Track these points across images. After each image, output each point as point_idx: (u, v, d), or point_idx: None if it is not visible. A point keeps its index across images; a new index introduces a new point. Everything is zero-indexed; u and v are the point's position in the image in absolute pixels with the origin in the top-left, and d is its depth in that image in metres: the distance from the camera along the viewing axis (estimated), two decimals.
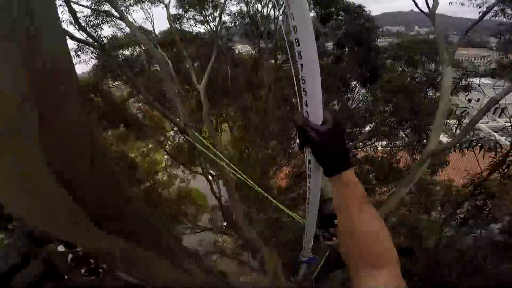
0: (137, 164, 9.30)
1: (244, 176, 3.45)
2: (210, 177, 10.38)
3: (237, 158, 6.75)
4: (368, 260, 0.64)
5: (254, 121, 7.61)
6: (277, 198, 8.49)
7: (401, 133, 8.22)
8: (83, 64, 8.46)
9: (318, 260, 2.55)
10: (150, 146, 14.16)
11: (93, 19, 7.82)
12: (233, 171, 3.73)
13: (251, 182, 3.34)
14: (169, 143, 11.78)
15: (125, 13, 7.25)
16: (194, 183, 14.45)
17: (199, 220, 11.14)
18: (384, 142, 8.79)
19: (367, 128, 8.41)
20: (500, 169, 4.30)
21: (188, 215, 10.58)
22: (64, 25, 5.77)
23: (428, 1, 4.64)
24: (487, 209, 5.28)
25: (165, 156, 13.37)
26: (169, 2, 8.71)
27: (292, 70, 0.72)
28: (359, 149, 8.87)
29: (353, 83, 8.81)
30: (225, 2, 8.75)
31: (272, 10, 9.07)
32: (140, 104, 10.27)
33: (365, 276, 0.63)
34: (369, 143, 8.64)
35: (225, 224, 10.80)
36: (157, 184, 11.90)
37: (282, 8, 7.76)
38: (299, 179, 8.68)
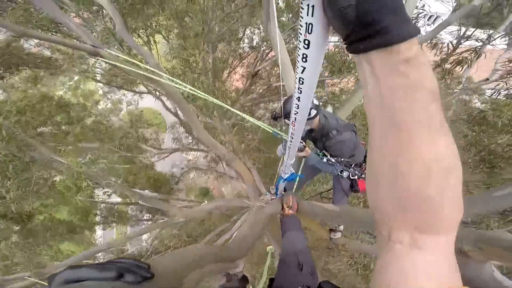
0: (67, 101, 7.73)
1: (193, 88, 2.73)
2: (157, 93, 9.23)
3: (182, 69, 5.69)
4: (426, 222, 0.36)
5: (193, 26, 6.12)
6: (237, 101, 7.97)
7: None
8: None
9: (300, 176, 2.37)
10: (76, 78, 11.82)
11: None
12: (176, 85, 2.95)
13: (204, 94, 2.67)
14: (96, 69, 9.73)
15: None
16: (143, 102, 13.07)
17: (162, 143, 10.57)
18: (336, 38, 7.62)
19: None
20: (442, 66, 4.49)
21: (149, 139, 9.89)
22: None
23: None
24: None
25: (99, 84, 11.39)
26: None
27: None
28: None
29: None
30: None
31: None
32: (37, 41, 7.79)
33: (411, 248, 0.37)
34: None
35: (190, 139, 10.46)
36: (103, 115, 10.53)
37: None
38: (256, 78, 8.00)
